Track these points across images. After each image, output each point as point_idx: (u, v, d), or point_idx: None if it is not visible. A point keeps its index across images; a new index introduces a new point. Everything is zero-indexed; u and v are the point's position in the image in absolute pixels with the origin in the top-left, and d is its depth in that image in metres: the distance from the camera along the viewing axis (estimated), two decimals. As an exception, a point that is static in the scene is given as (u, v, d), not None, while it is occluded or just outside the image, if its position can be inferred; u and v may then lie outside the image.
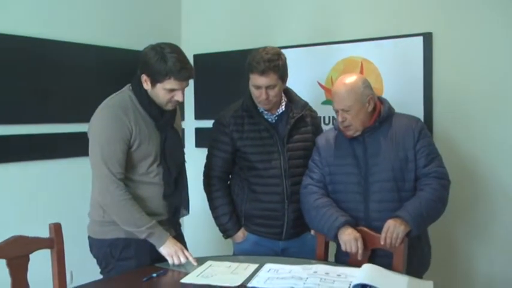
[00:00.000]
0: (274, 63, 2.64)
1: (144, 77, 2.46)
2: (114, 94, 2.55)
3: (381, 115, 2.56)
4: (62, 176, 3.62)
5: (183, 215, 2.71)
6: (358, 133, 2.55)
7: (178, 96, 2.47)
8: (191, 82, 4.33)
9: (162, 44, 2.44)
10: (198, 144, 4.45)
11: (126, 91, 2.55)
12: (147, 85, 2.46)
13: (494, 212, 3.25)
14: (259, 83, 2.66)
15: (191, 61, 4.26)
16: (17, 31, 3.36)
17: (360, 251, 2.41)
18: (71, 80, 3.60)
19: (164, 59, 2.38)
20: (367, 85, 2.54)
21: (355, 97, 2.49)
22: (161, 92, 2.44)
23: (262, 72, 2.63)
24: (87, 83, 3.61)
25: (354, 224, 2.50)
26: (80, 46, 3.70)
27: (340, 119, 2.55)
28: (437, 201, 2.46)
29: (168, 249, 2.45)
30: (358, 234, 2.44)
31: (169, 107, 2.52)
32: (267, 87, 2.67)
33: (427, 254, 2.67)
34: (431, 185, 2.47)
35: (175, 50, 2.44)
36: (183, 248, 2.49)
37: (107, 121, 2.43)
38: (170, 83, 2.41)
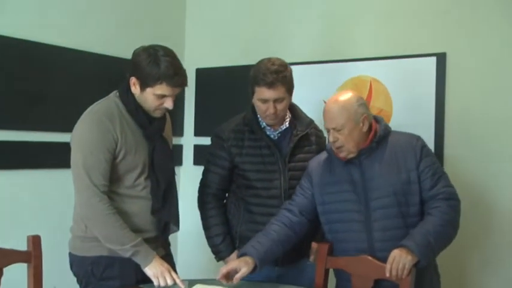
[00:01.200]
0: (282, 74, 2.49)
1: (133, 80, 2.30)
2: (100, 100, 2.39)
3: (377, 135, 2.39)
4: (47, 187, 3.44)
5: (173, 232, 2.54)
6: (352, 155, 2.37)
7: (168, 103, 2.31)
8: (192, 96, 4.32)
9: (155, 46, 2.29)
10: (197, 161, 4.28)
11: (113, 97, 2.39)
12: (135, 89, 2.31)
13: (509, 242, 3.07)
14: (266, 97, 2.50)
15: (193, 75, 4.27)
16: (8, 32, 3.22)
17: (219, 277, 2.30)
18: (63, 87, 3.46)
19: (157, 62, 2.23)
20: (361, 103, 2.37)
21: (347, 116, 2.32)
22: (150, 97, 2.28)
23: (271, 85, 2.47)
24: (82, 91, 3.46)
25: (254, 254, 2.35)
26: (78, 53, 3.56)
27: (331, 139, 2.37)
28: (446, 225, 2.27)
29: (154, 270, 2.27)
30: (234, 264, 2.33)
31: (157, 114, 2.36)
32: (275, 101, 2.51)
33: (436, 284, 2.48)
34: (440, 208, 2.28)
35: (170, 54, 2.29)
36: (170, 268, 2.31)
37: (91, 128, 2.26)
38: (161, 89, 2.25)
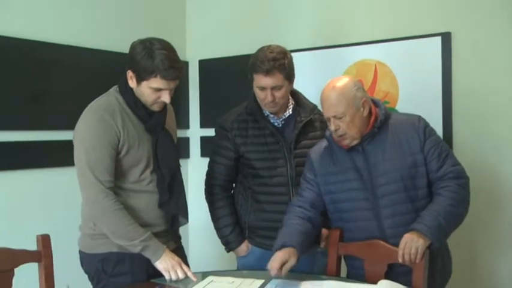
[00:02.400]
0: (279, 62, 2.46)
1: (129, 73, 2.28)
2: (100, 96, 2.37)
3: (378, 119, 2.33)
4: (51, 186, 3.43)
5: (182, 224, 2.52)
6: (355, 142, 2.31)
7: (164, 97, 2.28)
8: (196, 88, 4.30)
9: (152, 39, 2.26)
10: (204, 153, 4.26)
11: (113, 92, 2.37)
12: (132, 82, 2.28)
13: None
14: (263, 84, 2.48)
15: (196, 67, 4.24)
16: (5, 31, 3.19)
17: (273, 272, 2.16)
18: (63, 84, 3.43)
19: (151, 55, 2.19)
20: (359, 87, 2.30)
21: (347, 101, 2.25)
22: (146, 90, 2.26)
23: (267, 72, 2.45)
24: (82, 88, 3.43)
25: (293, 243, 2.25)
26: (78, 49, 3.53)
27: (333, 128, 2.29)
28: (457, 205, 2.23)
29: (164, 264, 2.25)
30: (284, 256, 2.19)
31: (154, 108, 2.33)
32: (273, 89, 2.49)
33: (448, 263, 2.44)
34: (449, 188, 2.24)
35: (166, 47, 2.24)
36: (181, 262, 2.29)
37: (92, 125, 2.24)
38: (156, 82, 2.22)
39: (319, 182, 2.43)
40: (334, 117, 2.28)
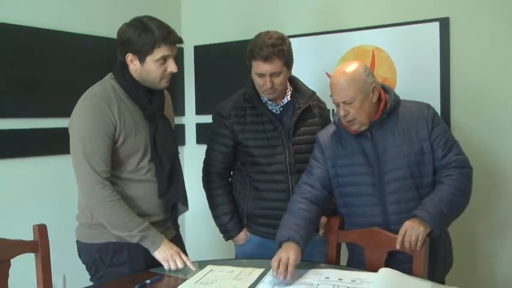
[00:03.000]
0: (278, 48, 2.43)
1: (129, 57, 2.24)
2: (95, 84, 2.32)
3: (387, 106, 2.31)
4: (47, 174, 3.39)
5: (182, 212, 2.49)
6: (364, 127, 2.30)
7: (171, 67, 2.27)
8: (191, 75, 4.25)
9: (137, 18, 2.26)
10: (200, 140, 4.24)
11: (108, 80, 2.33)
12: (134, 65, 2.25)
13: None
14: (262, 70, 2.45)
15: (192, 53, 4.19)
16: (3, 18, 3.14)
17: (289, 276, 2.05)
18: (58, 71, 3.38)
19: (148, 29, 2.20)
20: (369, 72, 2.28)
21: (357, 87, 2.22)
22: (153, 66, 2.23)
23: (266, 59, 2.42)
24: (77, 75, 3.39)
25: (299, 240, 2.19)
26: (73, 36, 3.48)
27: (342, 113, 2.27)
28: (459, 194, 2.22)
29: (163, 254, 2.23)
30: (290, 256, 2.10)
31: (163, 83, 2.31)
32: (272, 75, 2.46)
33: (449, 251, 2.44)
34: (452, 177, 2.23)
35: (154, 18, 2.26)
36: (179, 251, 2.28)
37: (88, 114, 2.20)
38: (161, 51, 2.22)
39: (327, 162, 2.41)
40: (344, 102, 2.26)
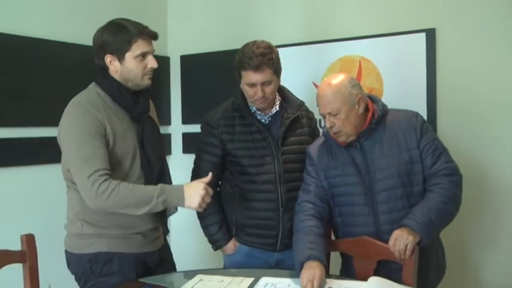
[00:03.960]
0: (267, 56, 2.44)
1: (108, 58, 2.25)
2: (80, 92, 2.31)
3: (375, 116, 2.33)
4: (33, 184, 3.34)
5: (172, 213, 2.46)
6: (352, 138, 2.32)
7: (151, 62, 2.28)
8: (178, 84, 4.25)
9: (109, 21, 2.31)
10: (186, 150, 4.23)
11: (93, 88, 2.32)
12: (114, 66, 2.26)
13: (502, 218, 3.08)
14: (253, 80, 2.45)
15: (178, 63, 4.19)
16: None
17: None
18: (45, 80, 3.35)
19: (122, 27, 2.24)
20: (354, 84, 2.31)
21: (342, 99, 2.25)
22: (133, 63, 2.25)
23: (257, 68, 2.42)
24: (64, 84, 3.36)
25: (320, 257, 2.19)
26: (61, 45, 3.46)
27: (328, 125, 2.30)
28: (448, 202, 2.23)
29: (195, 202, 2.18)
30: (316, 273, 2.09)
31: (146, 80, 2.30)
32: (263, 84, 2.46)
33: (442, 259, 2.46)
34: (441, 185, 2.25)
35: (125, 18, 2.32)
36: (203, 184, 2.22)
37: (78, 118, 2.17)
38: (139, 46, 2.24)
39: (320, 175, 2.43)
40: (329, 114, 2.28)
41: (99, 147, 2.14)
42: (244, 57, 2.45)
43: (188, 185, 2.23)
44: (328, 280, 2.17)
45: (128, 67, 2.25)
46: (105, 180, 2.09)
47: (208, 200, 2.21)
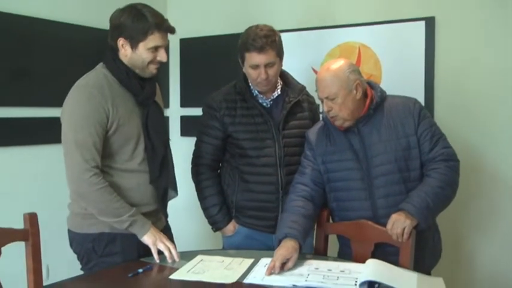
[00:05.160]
0: (271, 38, 2.48)
1: (121, 41, 2.25)
2: (87, 73, 2.31)
3: (373, 102, 2.35)
4: (36, 163, 3.37)
5: (172, 197, 2.50)
6: (348, 123, 2.34)
7: (162, 56, 2.28)
8: (176, 67, 4.26)
9: (131, 4, 2.27)
10: (184, 133, 4.26)
11: (100, 69, 2.32)
12: (125, 50, 2.26)
13: (497, 205, 3.14)
14: (257, 61, 2.48)
15: (177, 46, 4.19)
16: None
17: (276, 271, 2.07)
18: (47, 60, 3.37)
19: (142, 15, 2.21)
20: (353, 70, 2.32)
21: (340, 83, 2.27)
22: (144, 52, 2.24)
23: (261, 49, 2.45)
24: (66, 64, 3.39)
25: (297, 236, 2.23)
26: (63, 25, 3.47)
27: (326, 109, 2.33)
28: (445, 187, 2.26)
29: (152, 238, 2.25)
30: (287, 253, 2.14)
31: (152, 69, 2.31)
32: (266, 66, 2.49)
33: (438, 243, 2.50)
34: (439, 170, 2.28)
35: (148, 6, 2.28)
36: (166, 237, 2.30)
37: (80, 102, 2.19)
38: (154, 39, 2.23)
39: (317, 159, 2.45)
40: (327, 98, 2.30)
41: (94, 135, 2.17)
42: (248, 39, 2.48)
43: (158, 233, 2.28)
44: (326, 262, 2.22)
45: (138, 55, 2.25)
46: (96, 174, 2.17)
47: (163, 246, 2.24)
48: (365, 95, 2.37)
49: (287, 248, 2.17)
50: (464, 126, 3.16)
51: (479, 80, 3.11)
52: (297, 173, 2.52)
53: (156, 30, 2.22)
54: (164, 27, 2.25)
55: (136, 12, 2.21)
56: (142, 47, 2.23)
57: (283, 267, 2.11)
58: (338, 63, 2.33)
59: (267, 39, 2.46)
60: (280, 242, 2.24)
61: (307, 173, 2.46)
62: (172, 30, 2.30)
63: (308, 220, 2.37)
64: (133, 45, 2.24)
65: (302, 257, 2.28)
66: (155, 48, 2.25)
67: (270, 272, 2.07)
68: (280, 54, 2.55)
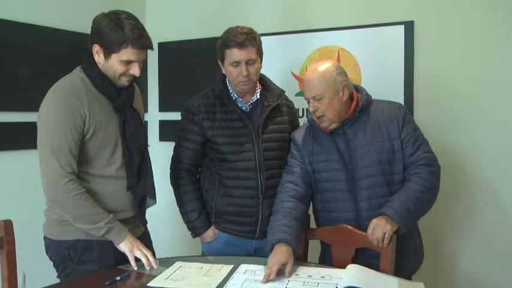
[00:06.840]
0: (252, 35, 2.51)
1: (96, 48, 2.19)
2: (63, 77, 2.26)
3: (359, 104, 2.37)
4: (12, 169, 3.31)
5: (151, 205, 2.47)
6: (334, 125, 2.35)
7: (134, 70, 2.21)
8: (155, 71, 4.22)
9: (116, 11, 2.19)
10: (163, 137, 4.21)
11: (77, 73, 2.27)
12: (98, 57, 2.20)
13: (477, 207, 3.16)
14: (238, 58, 2.48)
15: (156, 50, 4.14)
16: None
17: (272, 276, 2.06)
18: (26, 65, 3.30)
19: (120, 26, 2.13)
20: (340, 71, 2.35)
21: (326, 84, 2.30)
22: (116, 64, 2.18)
23: (242, 45, 2.47)
24: (45, 69, 3.32)
25: (291, 241, 2.22)
26: (41, 29, 3.41)
27: (312, 109, 2.36)
28: (426, 191, 2.27)
29: (129, 245, 2.21)
30: (283, 258, 2.13)
31: (123, 81, 2.24)
32: (247, 63, 2.49)
33: (420, 248, 2.51)
34: (420, 174, 2.29)
35: (132, 17, 2.19)
36: (142, 244, 2.26)
37: (57, 107, 2.14)
38: (127, 53, 2.15)
39: (305, 159, 2.45)
40: (314, 97, 2.32)
41: (70, 141, 2.14)
42: (229, 36, 2.50)
43: (135, 240, 2.25)
44: (306, 268, 2.20)
45: (110, 65, 2.19)
46: (73, 180, 2.14)
47: (140, 254, 2.22)
48: (351, 97, 2.39)
49: (282, 253, 2.15)
50: (444, 129, 3.16)
51: (458, 83, 3.12)
52: (284, 172, 2.52)
53: (130, 45, 2.14)
54: (140, 43, 2.16)
55: (116, 22, 2.14)
56: (115, 58, 2.17)
57: (281, 273, 2.09)
58: (325, 65, 2.36)
59: (248, 36, 2.48)
60: (273, 246, 2.21)
61: (296, 172, 2.46)
62: (149, 47, 2.23)
63: (299, 223, 2.36)
64: (107, 55, 2.18)
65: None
66: (128, 62, 2.19)
67: (267, 279, 2.04)
68: (260, 53, 2.56)
